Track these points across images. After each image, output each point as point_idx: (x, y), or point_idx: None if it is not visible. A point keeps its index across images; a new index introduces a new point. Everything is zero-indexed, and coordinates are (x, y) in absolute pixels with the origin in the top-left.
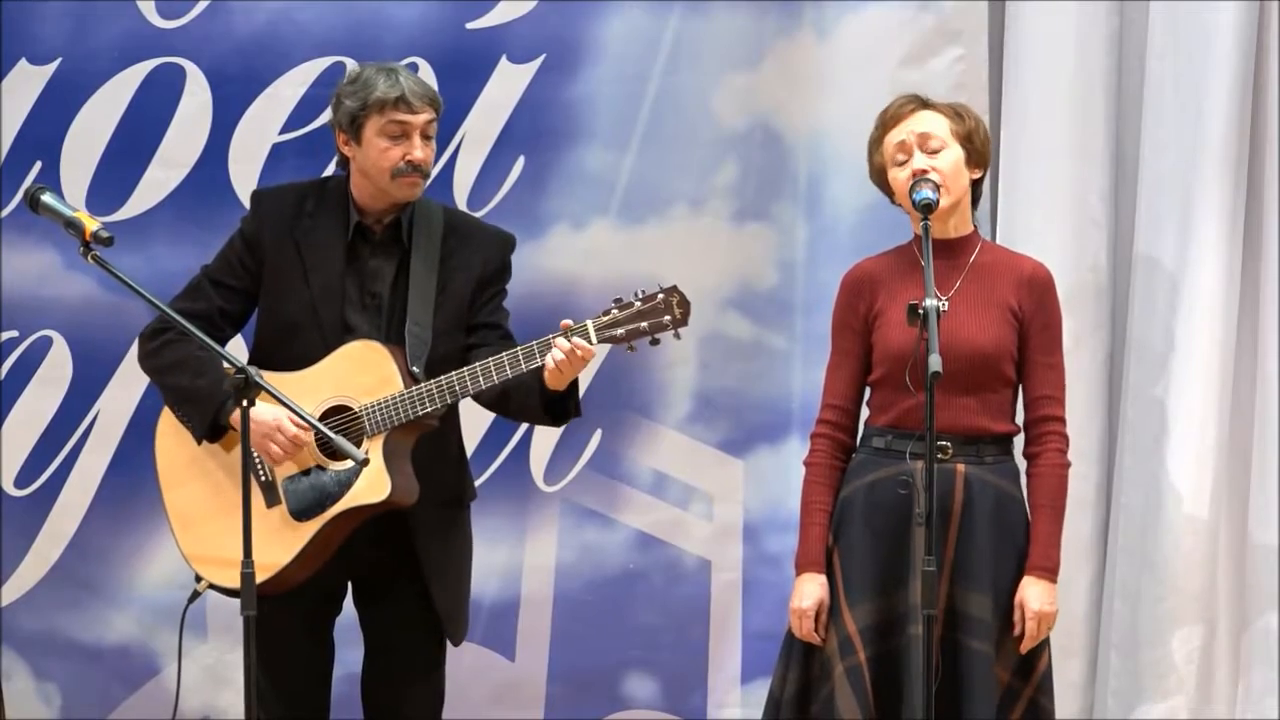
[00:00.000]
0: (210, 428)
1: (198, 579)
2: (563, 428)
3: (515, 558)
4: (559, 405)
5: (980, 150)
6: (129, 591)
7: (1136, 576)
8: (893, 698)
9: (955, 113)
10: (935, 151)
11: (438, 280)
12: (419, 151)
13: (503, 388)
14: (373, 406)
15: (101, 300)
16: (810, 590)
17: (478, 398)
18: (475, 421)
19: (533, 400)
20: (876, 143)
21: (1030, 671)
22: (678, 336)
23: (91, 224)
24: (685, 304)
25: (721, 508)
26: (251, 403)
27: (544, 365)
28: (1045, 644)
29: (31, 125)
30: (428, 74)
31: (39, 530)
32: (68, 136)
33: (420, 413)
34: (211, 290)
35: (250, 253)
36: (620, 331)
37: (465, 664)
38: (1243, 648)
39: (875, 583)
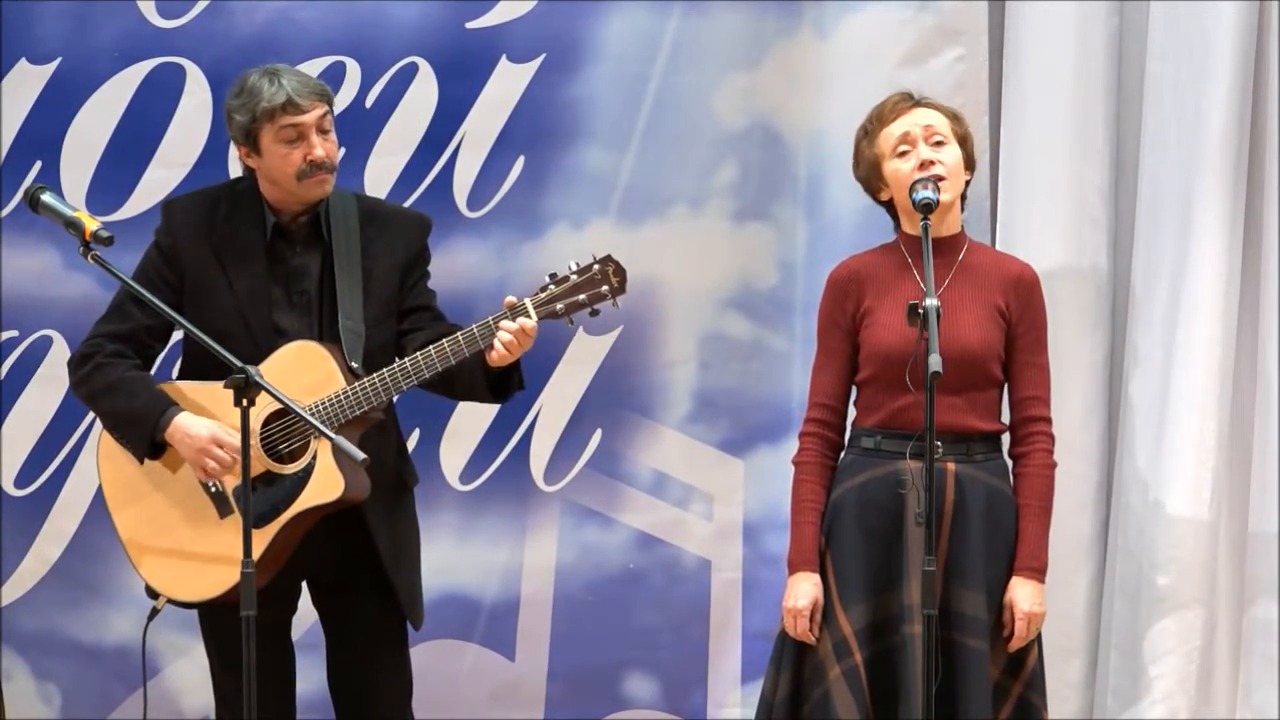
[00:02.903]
0: (150, 446)
1: (152, 595)
2: (562, 427)
3: (515, 558)
4: (503, 382)
5: (971, 155)
6: (129, 591)
7: (1136, 576)
8: (888, 698)
9: (953, 114)
10: (940, 144)
11: (362, 270)
12: (319, 150)
13: (446, 372)
14: (317, 406)
15: (101, 300)
16: (805, 589)
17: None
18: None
19: (478, 380)
20: (869, 136)
21: (1019, 669)
22: (616, 305)
23: (91, 224)
24: (621, 272)
25: (721, 508)
26: (251, 402)
27: (491, 347)
28: (1034, 641)
29: (31, 125)
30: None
31: (39, 530)
32: (68, 136)
33: (366, 407)
34: (134, 308)
35: (169, 265)
36: (559, 306)
37: (465, 664)
38: (1242, 644)
39: (868, 583)
